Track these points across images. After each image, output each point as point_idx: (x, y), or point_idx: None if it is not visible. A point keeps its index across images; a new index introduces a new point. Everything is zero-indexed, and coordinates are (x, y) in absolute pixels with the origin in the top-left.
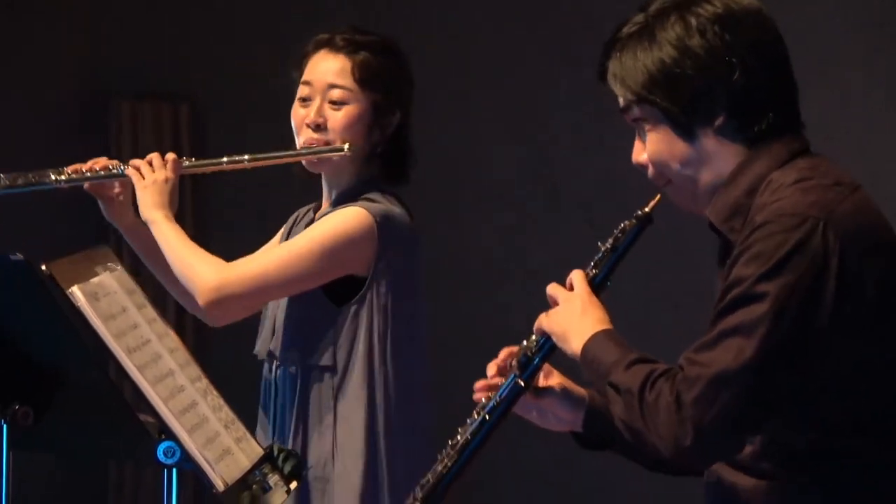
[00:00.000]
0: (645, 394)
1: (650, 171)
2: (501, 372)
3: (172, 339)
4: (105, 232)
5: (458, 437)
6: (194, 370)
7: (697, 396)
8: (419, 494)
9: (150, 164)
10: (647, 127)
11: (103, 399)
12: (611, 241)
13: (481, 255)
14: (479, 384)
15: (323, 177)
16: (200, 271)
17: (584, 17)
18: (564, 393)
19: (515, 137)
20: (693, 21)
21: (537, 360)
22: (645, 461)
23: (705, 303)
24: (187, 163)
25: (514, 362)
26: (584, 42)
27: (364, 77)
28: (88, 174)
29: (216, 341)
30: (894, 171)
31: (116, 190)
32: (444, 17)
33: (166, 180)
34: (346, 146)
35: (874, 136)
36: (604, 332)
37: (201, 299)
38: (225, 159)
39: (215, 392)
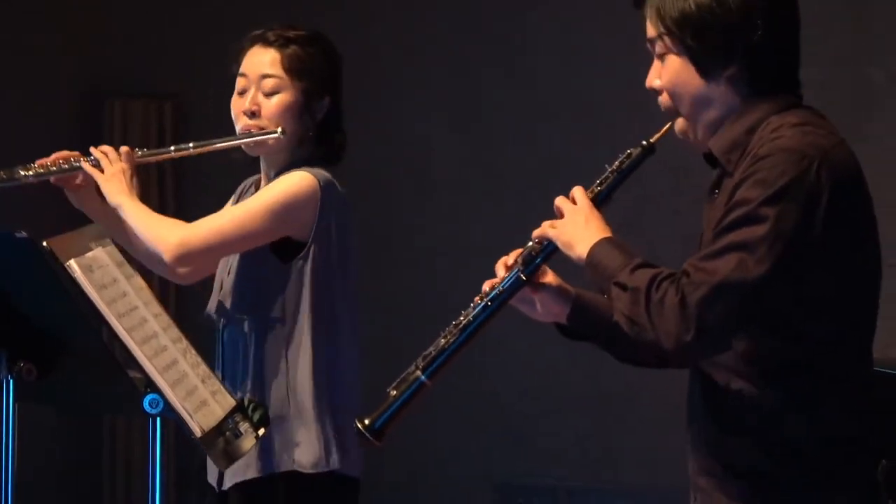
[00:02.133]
0: (651, 292)
1: (663, 98)
2: (508, 269)
3: (156, 305)
4: None
5: (461, 318)
6: (175, 332)
7: (701, 298)
8: (420, 364)
9: (107, 156)
10: (669, 57)
11: (97, 358)
12: (616, 163)
13: (426, 233)
14: (487, 282)
15: (261, 160)
16: (164, 233)
17: (523, 15)
18: (558, 289)
19: (460, 126)
20: None
21: (539, 259)
22: (619, 353)
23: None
24: (140, 153)
25: (518, 259)
26: (523, 40)
27: (293, 67)
28: (53, 168)
29: (193, 308)
30: None
31: (78, 181)
32: (399, 16)
33: (124, 171)
34: (280, 129)
35: None
36: (607, 238)
37: (167, 256)
38: (172, 148)
39: (193, 351)
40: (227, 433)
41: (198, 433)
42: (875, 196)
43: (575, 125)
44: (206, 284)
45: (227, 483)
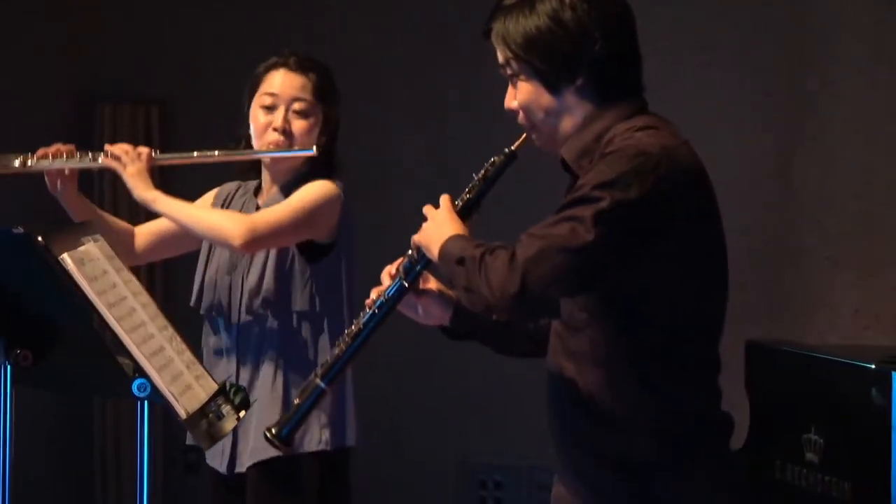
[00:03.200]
0: (485, 256)
1: (520, 116)
2: (392, 277)
3: (144, 296)
4: None
5: (353, 327)
6: (161, 321)
7: (529, 256)
8: (319, 372)
9: (128, 154)
10: (520, 80)
11: (88, 345)
12: (482, 172)
13: (390, 228)
14: (374, 290)
15: (265, 169)
16: (229, 225)
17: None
18: (439, 294)
19: (419, 128)
20: None
21: (419, 267)
22: (497, 345)
23: None
24: (158, 155)
25: (400, 269)
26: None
27: (320, 94)
28: (73, 159)
29: (179, 299)
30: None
31: (67, 172)
32: (365, 32)
33: (146, 168)
34: (315, 148)
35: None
36: (457, 234)
37: (239, 243)
38: (195, 153)
39: (179, 338)
40: (211, 415)
41: (183, 415)
42: (816, 192)
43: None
44: (190, 278)
45: (247, 463)
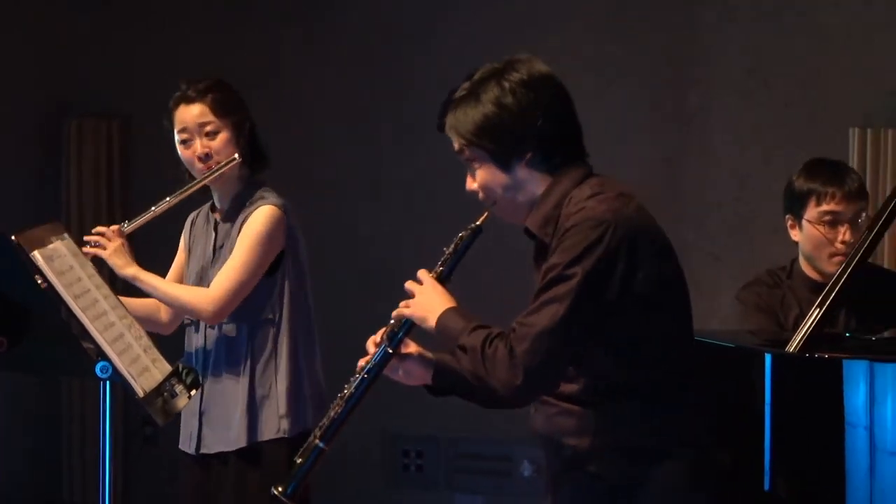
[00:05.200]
0: (486, 349)
1: (480, 195)
2: (377, 345)
3: (106, 288)
4: (57, 213)
5: (345, 391)
6: (122, 311)
7: (526, 348)
8: (318, 433)
9: (105, 235)
10: (475, 164)
11: (57, 332)
12: (452, 246)
13: (319, 233)
14: (362, 360)
15: (213, 189)
16: (196, 304)
17: (417, 51)
18: (420, 357)
19: (350, 139)
20: (506, 85)
21: (401, 334)
22: (480, 401)
23: (525, 294)
24: (126, 225)
25: (384, 337)
26: (406, 67)
27: (220, 110)
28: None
29: (136, 293)
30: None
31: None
32: (308, 44)
33: (122, 245)
34: (236, 156)
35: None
36: (451, 308)
37: (207, 320)
38: (153, 208)
39: (137, 326)
40: (165, 394)
41: (140, 394)
42: (698, 195)
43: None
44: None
45: (213, 449)
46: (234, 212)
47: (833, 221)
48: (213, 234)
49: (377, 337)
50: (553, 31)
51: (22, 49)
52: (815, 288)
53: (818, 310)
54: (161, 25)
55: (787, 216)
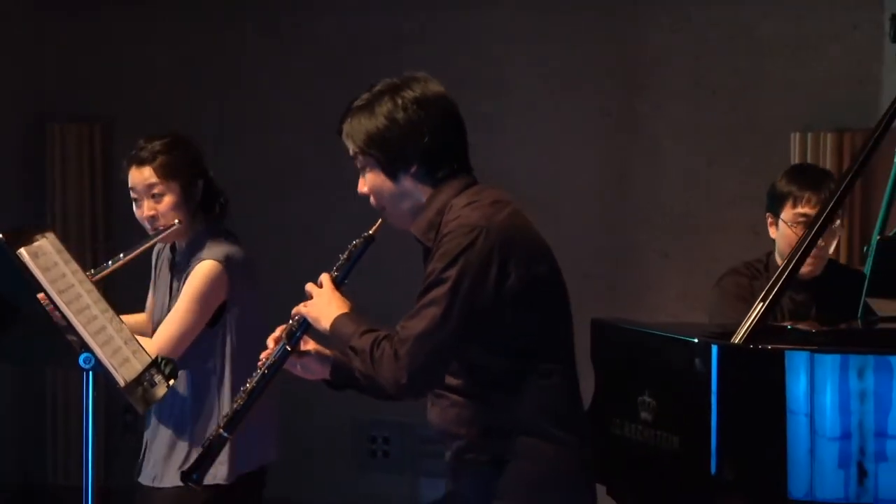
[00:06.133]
0: (374, 352)
1: (371, 199)
2: (277, 342)
3: (87, 283)
4: (41, 216)
5: (248, 385)
6: (104, 305)
7: (408, 350)
8: (222, 423)
9: None
10: (367, 169)
11: (43, 324)
12: (346, 253)
13: (286, 231)
14: (263, 353)
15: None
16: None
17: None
18: (318, 354)
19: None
20: (399, 101)
21: (298, 333)
22: (374, 394)
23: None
24: (92, 273)
25: (283, 335)
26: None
27: (166, 173)
28: None
29: (118, 287)
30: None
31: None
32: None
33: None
34: (177, 221)
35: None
36: (344, 314)
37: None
38: (110, 262)
39: (118, 319)
40: (145, 383)
41: (122, 383)
42: (648, 196)
43: None
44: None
45: (144, 482)
46: (185, 260)
47: (807, 224)
48: (170, 275)
49: (277, 333)
50: (507, 41)
51: (2, 54)
52: None
53: (761, 304)
54: (142, 31)
55: (768, 214)
